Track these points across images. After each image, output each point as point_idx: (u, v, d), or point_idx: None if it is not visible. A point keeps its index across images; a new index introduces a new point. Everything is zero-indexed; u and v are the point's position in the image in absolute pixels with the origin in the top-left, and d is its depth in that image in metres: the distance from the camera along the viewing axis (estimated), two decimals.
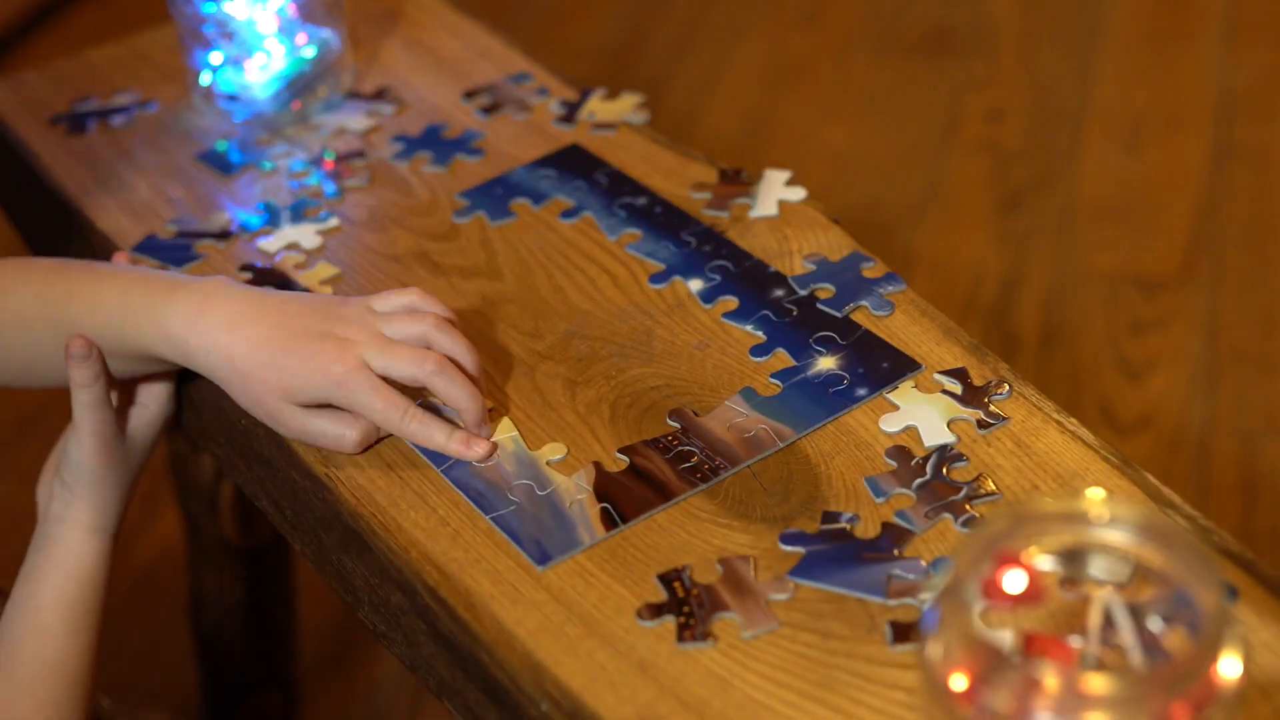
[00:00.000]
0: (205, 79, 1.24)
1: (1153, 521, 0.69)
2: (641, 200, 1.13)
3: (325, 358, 0.93)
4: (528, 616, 0.84)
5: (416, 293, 0.98)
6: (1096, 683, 0.64)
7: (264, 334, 0.94)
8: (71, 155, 1.24)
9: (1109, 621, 0.69)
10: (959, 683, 0.67)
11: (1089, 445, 0.91)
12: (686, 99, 2.47)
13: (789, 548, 0.87)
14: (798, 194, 1.13)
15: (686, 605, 0.84)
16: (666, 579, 0.86)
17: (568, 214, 1.13)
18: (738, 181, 1.14)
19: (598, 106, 1.24)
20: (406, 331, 0.95)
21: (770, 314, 1.02)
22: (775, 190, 1.13)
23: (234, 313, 0.95)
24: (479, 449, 0.94)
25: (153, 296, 0.96)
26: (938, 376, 0.97)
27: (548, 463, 0.93)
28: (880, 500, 0.89)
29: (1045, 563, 0.70)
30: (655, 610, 0.84)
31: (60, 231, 1.21)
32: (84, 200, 1.18)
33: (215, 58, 1.23)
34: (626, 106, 1.23)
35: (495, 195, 1.16)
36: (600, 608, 0.84)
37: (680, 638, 0.82)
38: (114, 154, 1.23)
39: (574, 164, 1.18)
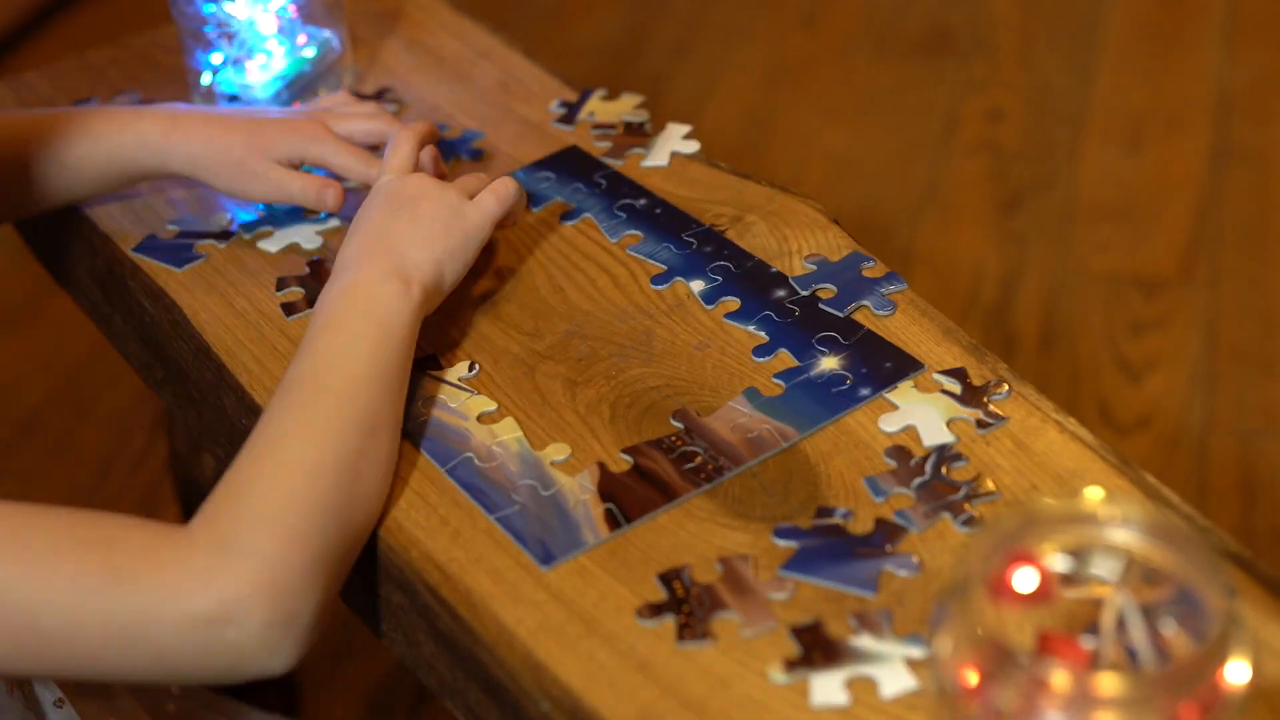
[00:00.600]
0: (206, 79, 1.25)
1: (1163, 522, 0.70)
2: (642, 201, 1.14)
3: (295, 120, 1.12)
4: (528, 616, 0.84)
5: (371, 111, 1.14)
6: (1106, 683, 0.64)
7: (236, 120, 1.12)
8: None
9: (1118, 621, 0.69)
10: (967, 681, 0.68)
11: (1088, 445, 0.91)
12: (686, 99, 2.47)
13: (782, 542, 0.87)
14: (692, 147, 1.18)
15: (686, 604, 0.84)
16: (666, 578, 0.86)
17: (568, 216, 1.13)
18: (640, 133, 1.20)
19: (598, 107, 1.24)
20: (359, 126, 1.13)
21: (772, 314, 1.03)
22: (671, 143, 1.18)
23: (205, 117, 1.12)
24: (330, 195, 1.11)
25: (131, 122, 1.11)
26: (937, 376, 0.97)
27: (552, 463, 0.93)
28: (879, 500, 0.89)
29: (1055, 562, 0.70)
30: (655, 609, 0.84)
31: (61, 232, 1.21)
32: (85, 201, 1.18)
33: (216, 58, 1.23)
34: (626, 106, 1.24)
35: None
36: (600, 607, 0.85)
37: (680, 637, 0.83)
38: None
39: (573, 166, 1.18)
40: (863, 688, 0.79)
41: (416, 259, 0.98)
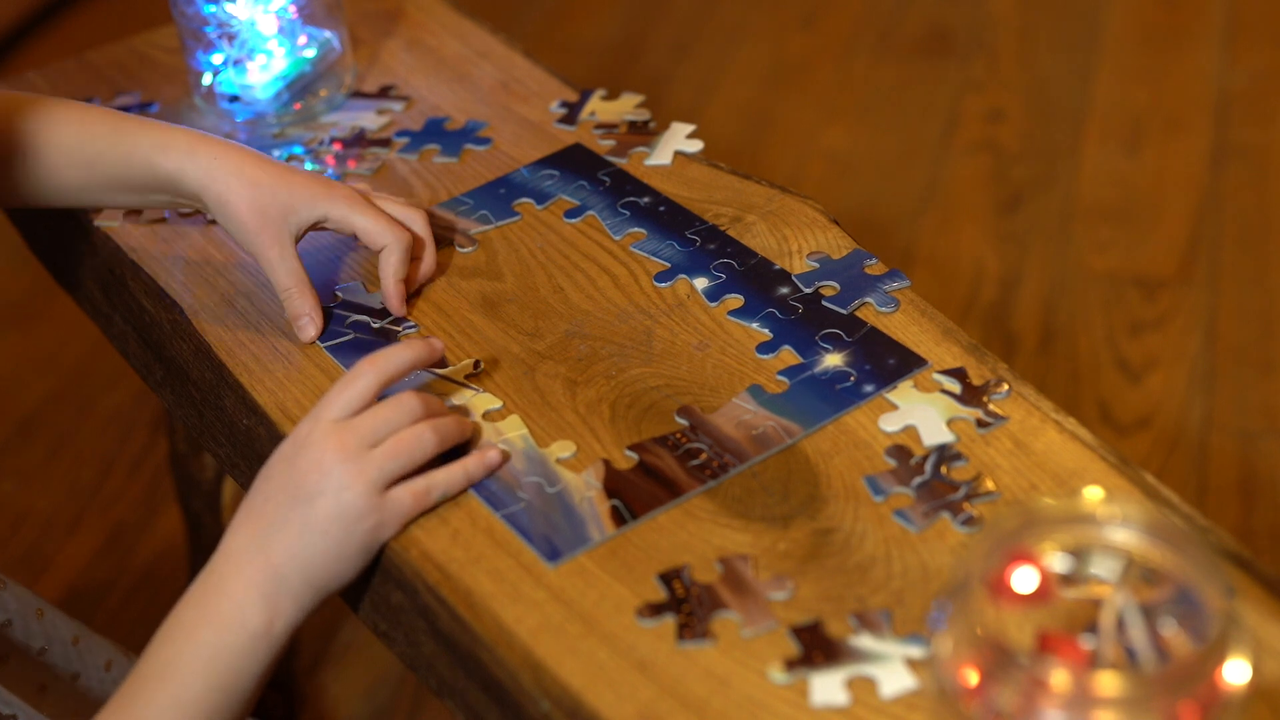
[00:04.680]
0: (206, 80, 1.25)
1: (1162, 522, 0.70)
2: (645, 199, 1.14)
3: (327, 181, 1.05)
4: (528, 615, 0.84)
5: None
6: (1106, 683, 0.64)
7: (268, 161, 1.04)
8: None
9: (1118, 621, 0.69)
10: (967, 680, 0.68)
11: (1087, 445, 0.92)
12: (686, 99, 2.47)
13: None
14: (695, 146, 1.18)
15: (686, 604, 0.84)
16: (666, 578, 0.86)
17: (572, 213, 1.13)
18: (644, 132, 1.20)
19: (598, 106, 1.24)
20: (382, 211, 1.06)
21: (776, 311, 1.03)
22: (675, 142, 1.19)
23: (236, 156, 1.03)
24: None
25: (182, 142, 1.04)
26: (937, 376, 0.97)
27: (557, 460, 0.93)
28: (879, 499, 0.89)
29: (1055, 561, 0.70)
30: (655, 609, 0.84)
31: (62, 231, 1.22)
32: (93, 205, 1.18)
33: (216, 59, 1.24)
34: (627, 106, 1.24)
35: (498, 195, 1.16)
36: (600, 607, 0.85)
37: (680, 637, 0.83)
38: None
39: (577, 163, 1.18)
40: (863, 687, 0.79)
41: (294, 584, 0.87)
